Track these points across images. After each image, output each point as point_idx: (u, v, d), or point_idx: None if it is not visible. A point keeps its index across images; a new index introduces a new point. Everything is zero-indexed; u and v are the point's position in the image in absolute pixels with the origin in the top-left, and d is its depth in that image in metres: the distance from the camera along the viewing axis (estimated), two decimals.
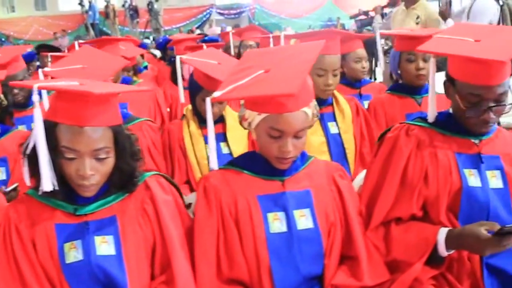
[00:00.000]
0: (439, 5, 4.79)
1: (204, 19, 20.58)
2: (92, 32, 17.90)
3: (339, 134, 2.61)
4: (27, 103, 2.98)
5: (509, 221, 1.69)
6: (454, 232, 1.62)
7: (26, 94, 2.94)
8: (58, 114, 1.49)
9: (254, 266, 1.60)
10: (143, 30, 18.10)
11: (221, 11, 20.79)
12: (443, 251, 1.64)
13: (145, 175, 1.67)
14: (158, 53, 7.24)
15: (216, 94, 1.57)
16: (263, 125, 1.59)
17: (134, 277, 1.56)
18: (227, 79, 1.65)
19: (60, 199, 1.56)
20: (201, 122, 2.61)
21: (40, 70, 2.50)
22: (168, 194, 1.68)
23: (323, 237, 1.64)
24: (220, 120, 2.62)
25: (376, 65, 6.04)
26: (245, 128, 1.69)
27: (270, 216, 1.63)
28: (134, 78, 4.23)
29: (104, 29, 18.69)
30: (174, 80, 3.79)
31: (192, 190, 2.57)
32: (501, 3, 4.12)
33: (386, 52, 4.05)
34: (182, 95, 2.87)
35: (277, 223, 1.62)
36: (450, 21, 4.59)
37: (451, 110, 1.78)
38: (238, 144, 2.61)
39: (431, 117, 1.79)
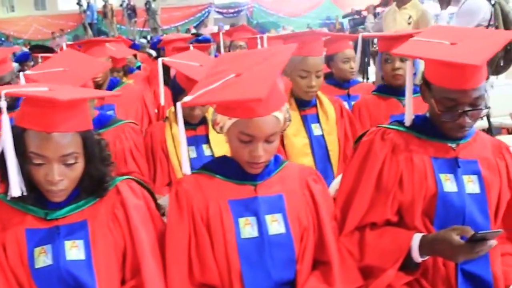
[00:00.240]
0: None
1: (203, 18, 20.53)
2: (90, 32, 17.89)
3: (322, 135, 2.60)
4: (14, 104, 2.96)
5: (485, 226, 1.67)
6: (427, 238, 1.61)
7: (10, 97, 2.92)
8: (26, 120, 1.48)
9: (225, 271, 1.59)
10: (141, 29, 18.08)
11: (220, 10, 20.74)
12: (417, 257, 1.62)
13: (116, 180, 1.66)
14: (154, 52, 7.22)
15: (187, 98, 1.56)
16: (234, 130, 1.58)
17: (103, 282, 1.55)
18: (199, 83, 1.64)
19: (30, 204, 1.55)
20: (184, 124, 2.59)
21: (21, 74, 2.48)
22: (140, 198, 1.67)
23: (295, 242, 1.63)
24: (202, 122, 2.60)
25: (368, 65, 6.01)
26: (217, 132, 1.68)
27: (242, 221, 1.61)
28: (124, 79, 4.20)
29: (102, 28, 18.69)
30: (165, 80, 3.77)
31: None
32: (492, 2, 4.07)
33: (377, 53, 4.03)
34: (163, 97, 2.87)
35: (248, 228, 1.61)
36: (444, 13, 4.52)
37: (428, 114, 1.76)
38: (221, 146, 2.58)
39: (408, 121, 1.76)
